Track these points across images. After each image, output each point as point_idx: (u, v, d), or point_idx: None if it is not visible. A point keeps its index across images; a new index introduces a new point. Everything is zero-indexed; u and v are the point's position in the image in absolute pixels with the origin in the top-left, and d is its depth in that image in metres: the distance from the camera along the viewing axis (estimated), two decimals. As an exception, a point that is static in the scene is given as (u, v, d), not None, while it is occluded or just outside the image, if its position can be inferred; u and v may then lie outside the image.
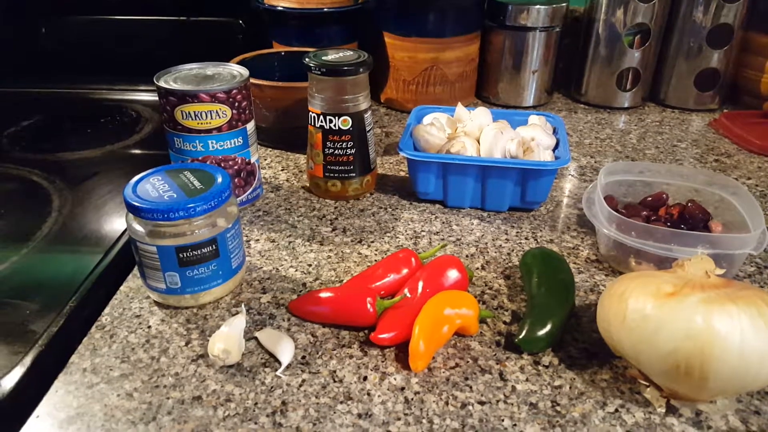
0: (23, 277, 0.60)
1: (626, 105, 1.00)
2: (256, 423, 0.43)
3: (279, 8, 0.93)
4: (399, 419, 0.43)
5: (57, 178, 0.78)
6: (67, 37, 1.11)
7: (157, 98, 0.63)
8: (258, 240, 0.64)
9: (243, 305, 0.52)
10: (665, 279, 0.43)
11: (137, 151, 0.88)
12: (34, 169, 0.80)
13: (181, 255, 0.50)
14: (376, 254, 0.62)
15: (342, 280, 0.58)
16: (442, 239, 0.64)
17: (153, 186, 0.51)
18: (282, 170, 0.79)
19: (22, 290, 0.58)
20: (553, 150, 0.70)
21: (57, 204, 0.72)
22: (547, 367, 0.48)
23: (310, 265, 0.60)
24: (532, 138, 0.69)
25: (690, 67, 0.97)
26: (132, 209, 0.49)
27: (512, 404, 0.44)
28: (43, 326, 0.51)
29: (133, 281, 0.57)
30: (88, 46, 1.10)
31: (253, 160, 0.68)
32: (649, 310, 0.41)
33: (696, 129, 0.94)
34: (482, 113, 0.74)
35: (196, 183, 0.51)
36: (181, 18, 1.07)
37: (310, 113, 0.68)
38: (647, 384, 0.45)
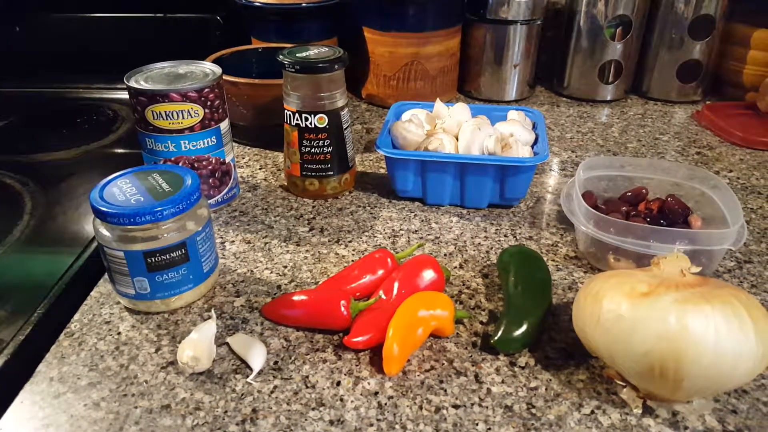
0: (-7, 282, 0.59)
1: (609, 98, 1.00)
2: (225, 432, 0.42)
3: (257, 4, 0.91)
4: (372, 425, 0.42)
5: (30, 180, 0.76)
6: (42, 35, 1.09)
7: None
8: (233, 241, 0.63)
9: (213, 311, 0.51)
10: (640, 278, 0.43)
11: (114, 151, 0.87)
12: (7, 172, 0.78)
13: (149, 260, 0.49)
14: (353, 254, 0.61)
15: (318, 282, 0.57)
16: (421, 238, 0.63)
17: (120, 189, 0.50)
18: (260, 169, 0.78)
19: (-9, 296, 0.57)
20: (533, 145, 0.70)
21: (29, 207, 0.71)
22: (523, 368, 0.47)
23: (285, 267, 0.59)
24: (511, 134, 0.68)
25: (672, 58, 0.97)
26: (98, 213, 0.48)
27: (487, 407, 0.44)
28: (11, 334, 0.50)
29: (104, 286, 0.56)
30: (64, 44, 1.08)
31: (228, 159, 0.67)
32: (623, 310, 0.41)
33: (679, 121, 0.93)
34: (461, 109, 0.73)
35: (165, 185, 0.50)
36: (158, 15, 1.05)
37: (286, 111, 0.67)
38: (624, 384, 0.44)
